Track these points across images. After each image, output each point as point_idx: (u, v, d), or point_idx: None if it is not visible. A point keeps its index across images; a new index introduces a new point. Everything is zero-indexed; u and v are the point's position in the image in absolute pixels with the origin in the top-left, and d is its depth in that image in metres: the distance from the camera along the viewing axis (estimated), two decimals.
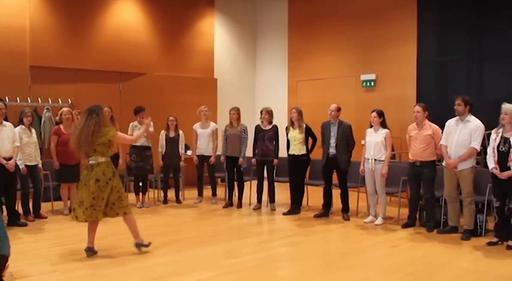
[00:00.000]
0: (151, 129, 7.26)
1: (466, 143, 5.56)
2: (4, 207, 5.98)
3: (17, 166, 6.03)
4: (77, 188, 5.02)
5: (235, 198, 7.64)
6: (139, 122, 7.36)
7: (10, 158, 5.88)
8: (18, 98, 7.86)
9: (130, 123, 7.45)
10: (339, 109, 6.69)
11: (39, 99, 8.12)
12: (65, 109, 6.96)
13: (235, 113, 7.47)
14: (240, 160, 7.40)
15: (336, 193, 6.85)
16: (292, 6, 10.79)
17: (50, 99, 8.21)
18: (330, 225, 6.39)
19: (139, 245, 4.86)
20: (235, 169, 7.51)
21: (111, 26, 9.14)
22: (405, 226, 6.17)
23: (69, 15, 8.64)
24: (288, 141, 7.03)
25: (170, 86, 9.73)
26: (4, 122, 5.98)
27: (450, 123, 5.80)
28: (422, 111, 6.01)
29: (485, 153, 5.49)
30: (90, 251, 4.71)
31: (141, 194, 7.54)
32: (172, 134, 7.78)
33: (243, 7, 11.29)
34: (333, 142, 6.63)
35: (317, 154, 7.14)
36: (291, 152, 7.01)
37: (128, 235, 4.88)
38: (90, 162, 4.67)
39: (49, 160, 7.07)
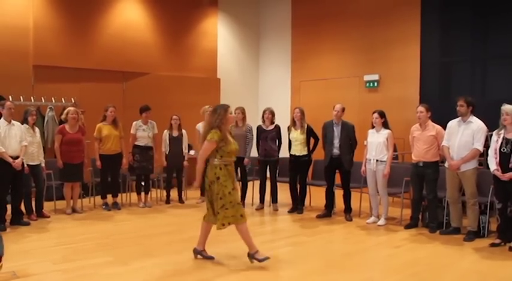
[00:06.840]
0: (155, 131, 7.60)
1: (468, 144, 5.54)
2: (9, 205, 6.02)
3: (22, 165, 6.05)
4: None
5: None
6: (143, 122, 7.40)
7: (17, 157, 5.91)
8: (21, 97, 7.88)
9: (134, 122, 7.46)
10: (343, 109, 6.71)
11: (42, 98, 8.15)
12: (71, 108, 6.96)
13: (240, 112, 7.39)
14: (246, 160, 7.39)
15: (339, 194, 6.85)
16: (296, 7, 10.78)
17: (53, 98, 8.24)
18: (333, 225, 6.39)
19: (251, 256, 4.51)
20: (239, 169, 7.50)
21: (115, 25, 9.16)
22: (408, 226, 6.16)
23: (72, 15, 8.67)
24: (290, 141, 7.04)
25: (173, 85, 9.74)
26: (13, 121, 6.03)
27: (452, 124, 5.76)
28: (426, 111, 5.98)
29: (488, 154, 5.47)
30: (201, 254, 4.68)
31: (143, 193, 7.56)
32: (175, 133, 7.79)
33: (247, 7, 11.30)
34: (336, 142, 6.62)
35: (319, 154, 7.13)
36: (292, 153, 7.02)
37: (130, 234, 4.88)
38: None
39: (52, 159, 7.10)
